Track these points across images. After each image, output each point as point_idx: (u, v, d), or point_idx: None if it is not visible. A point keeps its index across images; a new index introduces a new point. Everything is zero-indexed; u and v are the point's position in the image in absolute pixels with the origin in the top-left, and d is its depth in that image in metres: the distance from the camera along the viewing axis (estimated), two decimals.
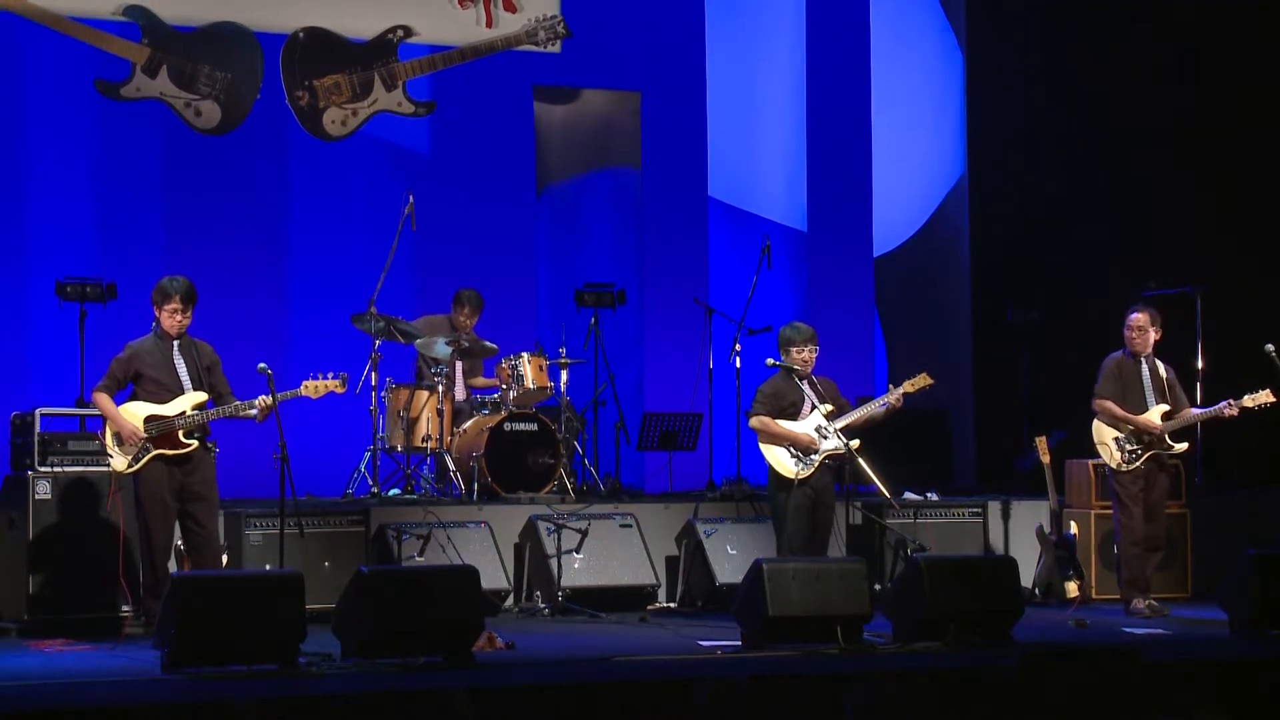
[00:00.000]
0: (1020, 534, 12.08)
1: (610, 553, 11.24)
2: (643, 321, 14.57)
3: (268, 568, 10.08)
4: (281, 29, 13.63)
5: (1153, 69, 14.74)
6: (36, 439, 10.20)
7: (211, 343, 9.97)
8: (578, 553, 11.08)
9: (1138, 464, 10.97)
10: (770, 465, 10.31)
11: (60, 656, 9.11)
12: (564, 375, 12.48)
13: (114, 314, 11.88)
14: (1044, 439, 11.78)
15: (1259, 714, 8.53)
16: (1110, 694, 8.13)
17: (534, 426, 11.96)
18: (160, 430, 9.60)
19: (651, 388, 14.50)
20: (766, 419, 10.30)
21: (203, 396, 9.70)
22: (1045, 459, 11.71)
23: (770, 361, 10.48)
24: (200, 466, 9.69)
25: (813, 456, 10.20)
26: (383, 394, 12.22)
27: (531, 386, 12.15)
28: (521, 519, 11.35)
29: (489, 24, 14.08)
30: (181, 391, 9.70)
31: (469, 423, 12.17)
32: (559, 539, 10.95)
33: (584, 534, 11.11)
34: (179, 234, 13.23)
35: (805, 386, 10.34)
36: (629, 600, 11.13)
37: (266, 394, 9.54)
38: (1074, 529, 11.72)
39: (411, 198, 12.49)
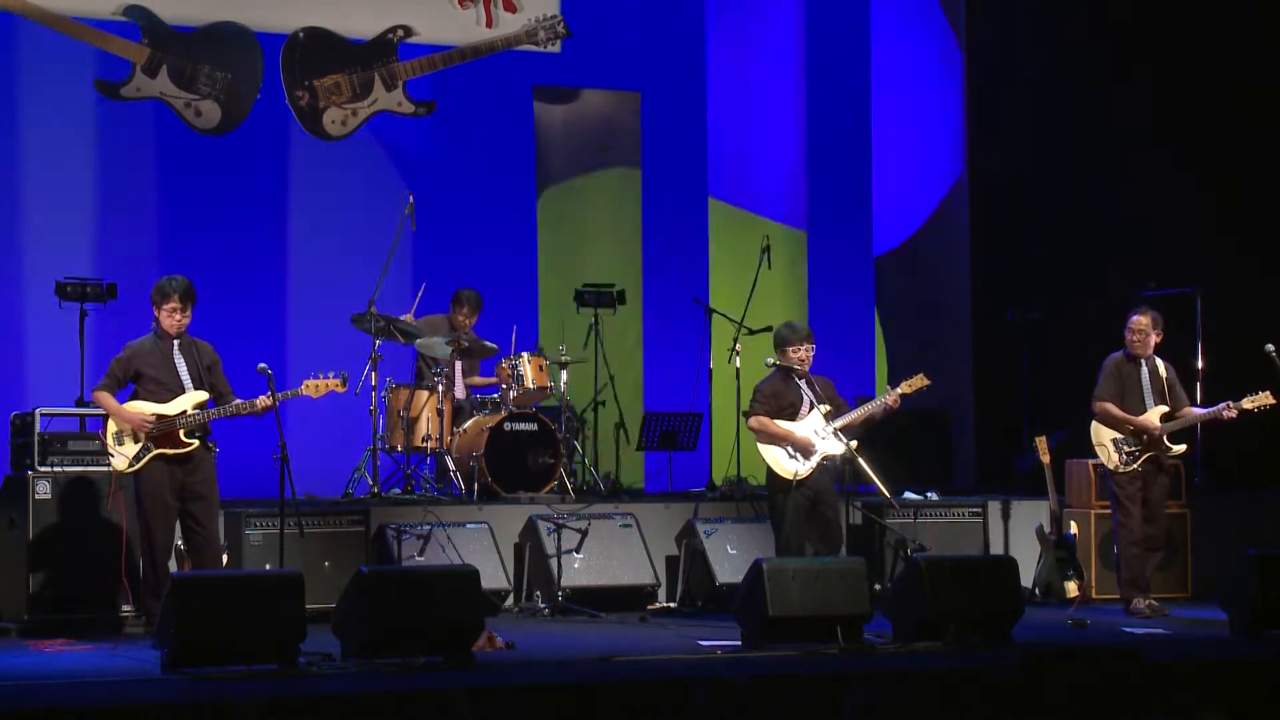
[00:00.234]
0: (1020, 534, 12.07)
1: (610, 553, 11.24)
2: (643, 321, 14.57)
3: (268, 568, 10.07)
4: (281, 29, 13.64)
5: (1153, 69, 14.74)
6: (36, 439, 10.19)
7: (211, 342, 9.97)
8: (578, 553, 11.08)
9: (1135, 465, 10.97)
10: (769, 465, 10.31)
11: (60, 656, 9.11)
12: (564, 375, 12.48)
13: (114, 314, 11.88)
14: (1044, 439, 11.77)
15: (1259, 714, 8.53)
16: (1110, 694, 8.13)
17: (534, 426, 11.96)
18: (161, 429, 9.60)
19: (651, 388, 14.51)
20: (765, 419, 10.30)
21: (203, 396, 9.70)
22: (1045, 459, 11.71)
23: (769, 361, 10.47)
24: (201, 466, 9.69)
25: (811, 456, 10.20)
26: (383, 394, 12.22)
27: (531, 386, 12.15)
28: (521, 519, 11.35)
29: (489, 24, 14.08)
30: (182, 391, 9.70)
31: (469, 423, 12.17)
32: (559, 539, 10.95)
33: (584, 534, 11.11)
34: (179, 234, 13.24)
35: (804, 386, 10.34)
36: (629, 600, 11.13)
37: (267, 394, 9.54)
38: (1074, 529, 11.72)
39: (411, 198, 12.50)
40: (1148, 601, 10.85)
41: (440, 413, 12.05)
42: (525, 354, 12.25)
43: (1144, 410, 11.01)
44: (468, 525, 11.15)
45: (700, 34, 14.84)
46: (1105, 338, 11.52)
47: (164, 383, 9.68)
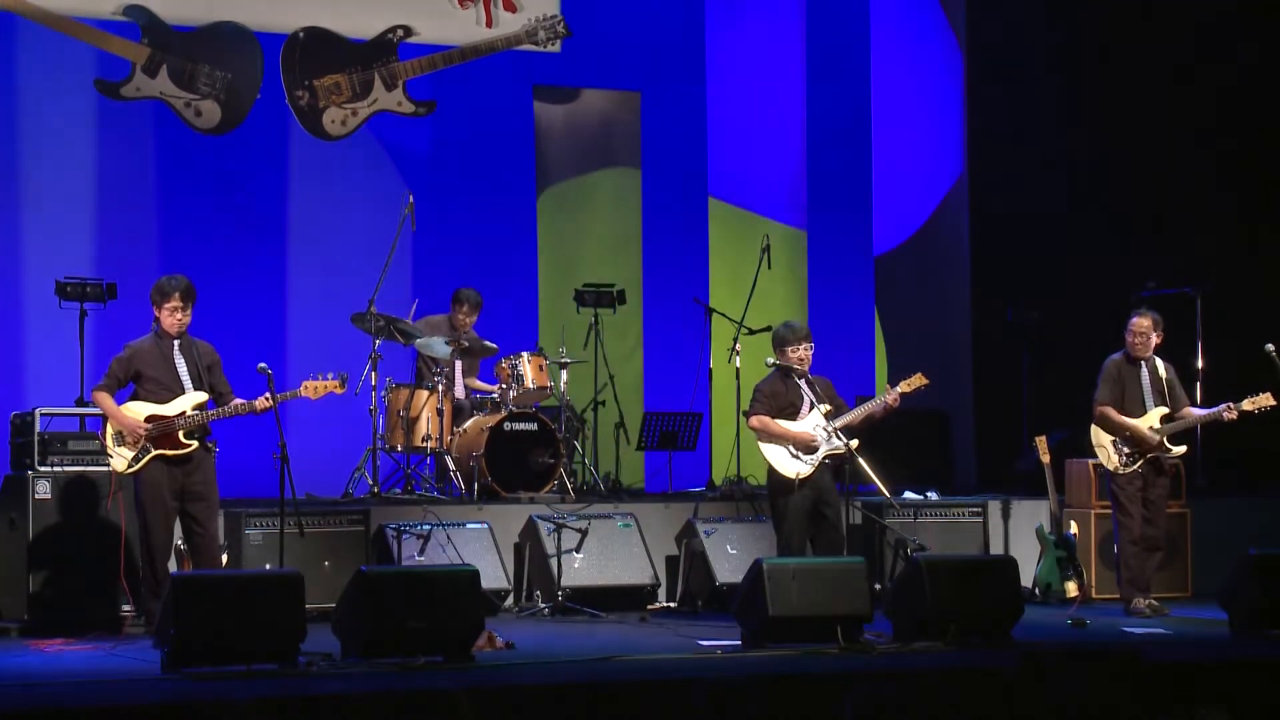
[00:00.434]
0: (1020, 534, 12.07)
1: (610, 552, 11.24)
2: (643, 321, 14.57)
3: (268, 568, 10.07)
4: (281, 29, 13.63)
5: (1152, 69, 14.75)
6: (36, 439, 10.20)
7: (211, 342, 9.97)
8: (578, 552, 11.08)
9: (1136, 466, 10.96)
10: (770, 465, 10.29)
11: (60, 656, 9.11)
12: (564, 375, 12.48)
13: (114, 314, 11.87)
14: (1044, 439, 11.78)
15: (1259, 714, 8.52)
16: (1110, 694, 8.13)
17: (534, 426, 11.96)
18: (160, 430, 9.60)
19: (651, 388, 14.50)
20: (766, 418, 10.29)
21: (203, 397, 9.70)
22: (1045, 459, 11.71)
23: (770, 361, 10.47)
24: (200, 467, 9.69)
25: (813, 456, 10.19)
26: (383, 394, 12.22)
27: (531, 386, 12.15)
28: (521, 519, 11.35)
29: (489, 24, 14.08)
30: (182, 391, 9.70)
31: (469, 422, 12.17)
32: (559, 539, 10.95)
33: (584, 534, 11.12)
34: (179, 234, 13.24)
35: (804, 386, 10.33)
36: (629, 600, 11.13)
37: (266, 394, 9.54)
38: (1074, 529, 11.72)
39: (411, 197, 12.50)
40: (1148, 601, 10.86)
41: (440, 413, 12.06)
42: (525, 354, 12.25)
43: (1144, 411, 11.00)
44: (468, 525, 11.15)
45: (700, 34, 14.84)
46: (1105, 338, 11.52)
47: (164, 383, 9.68)
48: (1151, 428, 10.95)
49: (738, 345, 12.67)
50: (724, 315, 13.11)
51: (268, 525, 10.43)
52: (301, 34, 13.67)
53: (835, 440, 10.15)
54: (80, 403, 11.00)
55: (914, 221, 15.62)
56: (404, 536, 10.80)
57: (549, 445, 11.98)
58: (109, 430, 9.67)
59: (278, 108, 13.63)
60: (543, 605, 10.91)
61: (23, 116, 13.06)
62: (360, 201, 13.76)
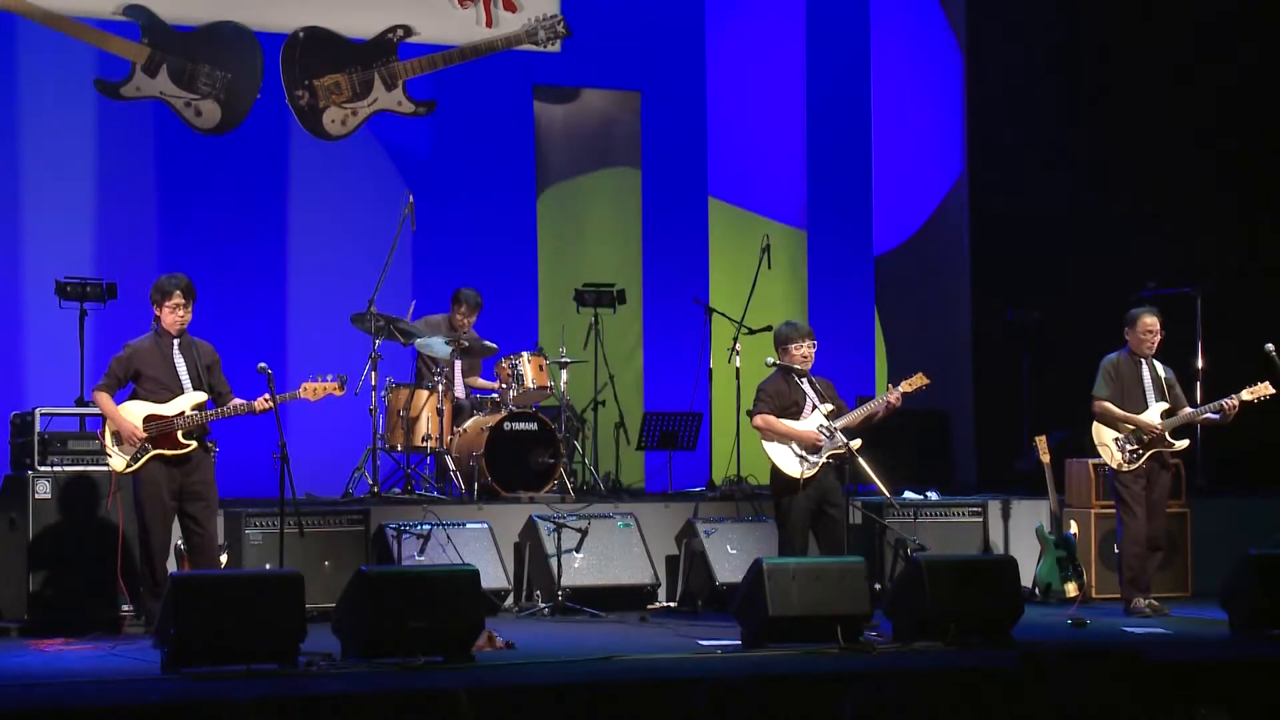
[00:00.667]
0: (1020, 534, 12.08)
1: (610, 552, 11.24)
2: (643, 321, 14.57)
3: (268, 567, 10.07)
4: (281, 28, 13.64)
5: (1152, 69, 14.75)
6: (36, 438, 10.19)
7: (211, 341, 9.97)
8: (578, 552, 11.08)
9: (1139, 463, 10.96)
10: (774, 465, 10.26)
11: (60, 656, 9.11)
12: (564, 375, 12.48)
13: (114, 314, 11.88)
14: (1044, 439, 11.78)
15: (1259, 714, 8.52)
16: (1110, 694, 8.13)
17: (534, 426, 11.96)
18: (159, 430, 9.60)
19: (651, 388, 14.51)
20: (770, 417, 10.28)
21: (202, 397, 9.70)
22: (1045, 459, 11.71)
23: (769, 361, 10.46)
24: (199, 467, 9.68)
25: (817, 456, 10.18)
26: (383, 394, 12.22)
27: (531, 386, 12.15)
28: (521, 518, 11.35)
29: (489, 23, 14.08)
30: (181, 391, 9.69)
31: (469, 422, 12.17)
32: (559, 538, 10.95)
33: (584, 533, 11.11)
34: (179, 234, 13.24)
35: (806, 385, 10.33)
36: (629, 600, 11.13)
37: (266, 393, 9.54)
38: (1074, 529, 11.72)
39: (411, 197, 12.51)
40: (1148, 601, 10.85)
41: (440, 412, 12.06)
42: (525, 354, 12.25)
43: (1145, 409, 11.00)
44: (468, 525, 11.15)
45: (700, 34, 14.84)
46: (1105, 338, 11.51)
47: (163, 383, 9.68)
48: (1153, 421, 10.95)
49: (738, 345, 12.67)
50: (724, 315, 13.10)
51: (268, 525, 10.43)
52: (301, 34, 13.67)
53: (837, 439, 10.14)
54: (80, 403, 11.01)
55: (914, 221, 15.62)
56: (404, 536, 10.80)
57: (549, 445, 11.98)
58: (108, 430, 9.67)
59: (278, 108, 13.63)
60: (543, 605, 10.91)
61: (23, 116, 13.06)
62: (360, 201, 13.76)
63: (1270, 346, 10.96)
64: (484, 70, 14.13)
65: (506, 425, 11.90)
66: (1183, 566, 11.93)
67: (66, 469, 10.19)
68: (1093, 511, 11.91)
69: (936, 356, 14.24)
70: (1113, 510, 11.26)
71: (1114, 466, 11.01)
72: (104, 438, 9.71)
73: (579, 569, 11.04)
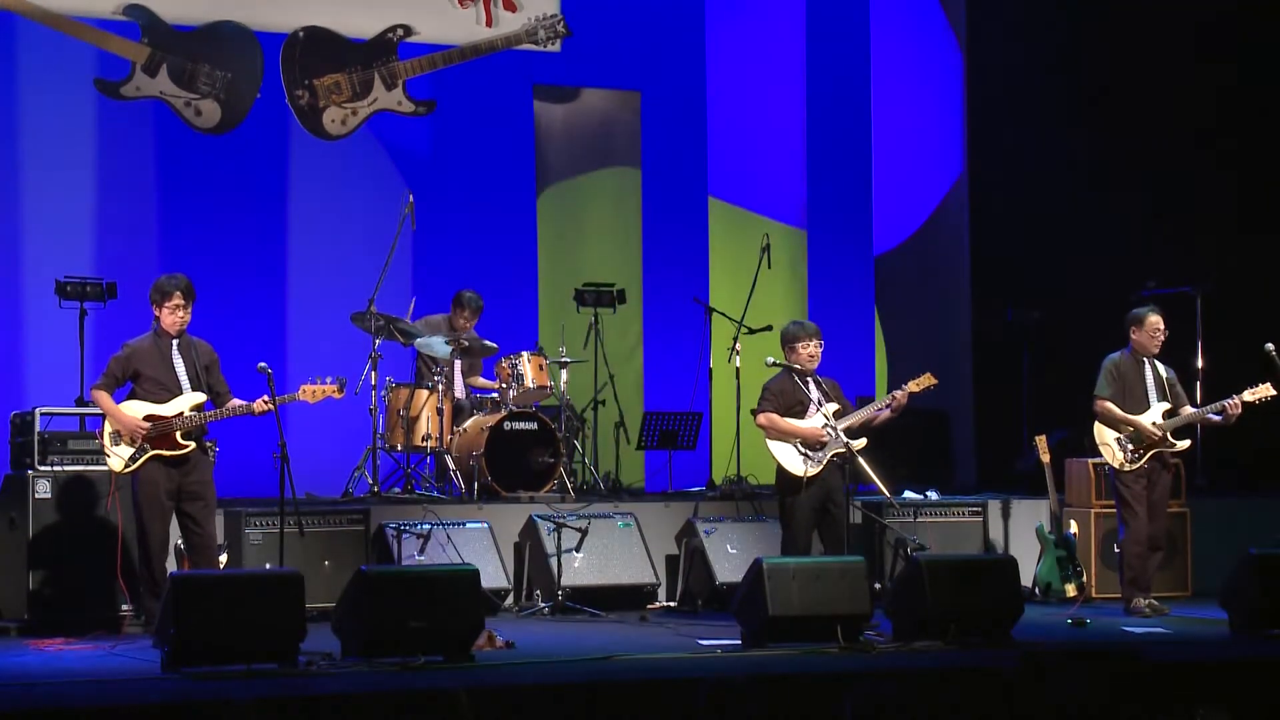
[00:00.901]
0: (1020, 534, 12.08)
1: (610, 552, 11.24)
2: (643, 321, 14.57)
3: (268, 567, 10.07)
4: (281, 28, 13.64)
5: (1152, 69, 14.75)
6: (36, 438, 10.20)
7: (211, 341, 9.97)
8: (578, 552, 11.08)
9: (1140, 463, 10.95)
10: (778, 464, 10.26)
11: (60, 656, 9.11)
12: (564, 375, 12.48)
13: (114, 314, 11.88)
14: (1044, 438, 11.78)
15: (1259, 714, 8.52)
16: (1110, 694, 8.13)
17: (534, 426, 11.96)
18: (158, 431, 9.59)
19: (651, 387, 14.51)
20: (774, 415, 10.27)
21: (201, 397, 9.70)
22: (1045, 458, 11.71)
23: (769, 360, 10.46)
24: (197, 467, 9.68)
25: (821, 454, 10.17)
26: (383, 393, 12.22)
27: (531, 386, 12.15)
28: (521, 518, 11.35)
29: (489, 23, 14.08)
30: (180, 392, 9.69)
31: (469, 422, 12.17)
32: (559, 538, 10.94)
33: (584, 533, 11.11)
34: (179, 233, 13.24)
35: (811, 385, 10.33)
36: (629, 599, 11.13)
37: (266, 393, 9.54)
38: (1074, 528, 11.72)
39: (411, 197, 12.51)
40: (1148, 601, 10.85)
41: (440, 412, 12.06)
42: (525, 353, 12.25)
43: (1147, 407, 11.00)
44: (468, 525, 11.15)
45: (700, 34, 14.84)
46: (1105, 338, 11.51)
47: (162, 383, 9.67)
48: (1154, 423, 10.94)
49: (738, 345, 12.66)
50: (724, 315, 13.10)
51: (268, 525, 10.43)
52: (301, 33, 13.67)
53: (840, 439, 10.13)
54: (80, 402, 11.01)
55: (914, 221, 15.62)
56: (404, 536, 10.80)
57: (549, 445, 11.98)
58: (106, 429, 9.67)
59: (278, 107, 13.63)
60: (543, 605, 10.91)
61: (23, 116, 13.06)
62: (360, 201, 13.76)
63: (1270, 346, 10.96)
64: (484, 70, 14.14)
65: (506, 425, 11.90)
66: (1183, 566, 11.93)
67: (66, 469, 10.19)
68: (1093, 511, 11.91)
69: (936, 356, 14.23)
70: (1113, 510, 11.27)
71: (1115, 466, 11.01)
72: (103, 437, 9.71)
73: (579, 569, 11.04)
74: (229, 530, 10.52)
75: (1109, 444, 11.02)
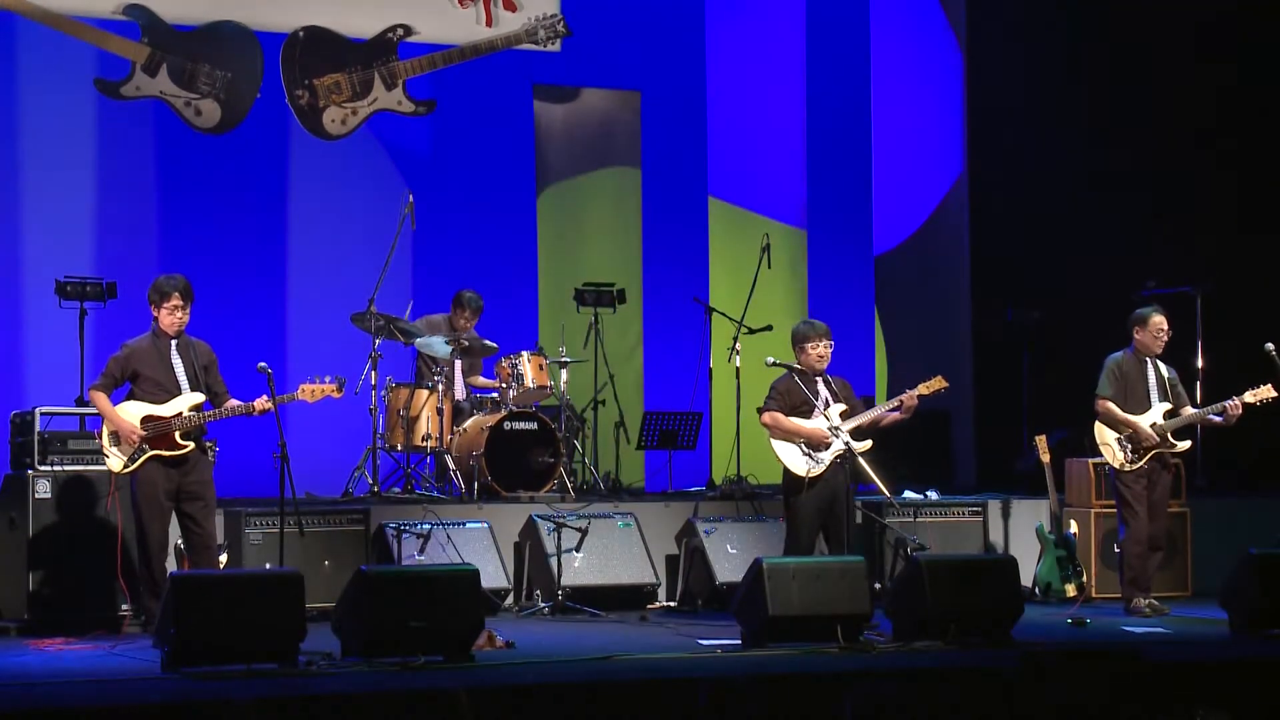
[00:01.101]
0: (1020, 534, 12.07)
1: (610, 552, 11.24)
2: (643, 321, 14.57)
3: (268, 567, 10.07)
4: (281, 28, 13.64)
5: (1152, 69, 14.75)
6: (36, 438, 10.19)
7: (211, 342, 9.96)
8: (578, 552, 11.07)
9: (1141, 463, 10.95)
10: (783, 464, 10.28)
11: (60, 656, 9.11)
12: (564, 375, 12.48)
13: (114, 314, 11.88)
14: (1044, 438, 11.77)
15: (1259, 714, 8.52)
16: (1110, 694, 8.13)
17: (534, 426, 11.96)
18: (156, 431, 9.59)
19: (651, 387, 14.51)
20: (778, 415, 10.27)
21: (200, 398, 9.69)
22: (1045, 458, 11.70)
23: (769, 360, 10.45)
24: (196, 467, 9.67)
25: (824, 454, 10.17)
26: (383, 393, 12.22)
27: (531, 386, 12.15)
28: (521, 518, 11.35)
29: (489, 23, 14.08)
30: (179, 392, 9.68)
31: (469, 422, 12.17)
32: (559, 538, 10.94)
33: (584, 533, 11.11)
34: (179, 233, 13.24)
35: (820, 385, 10.32)
36: (629, 599, 11.13)
37: (265, 393, 9.54)
38: (1074, 528, 11.71)
39: (411, 197, 12.50)
40: (1148, 601, 10.85)
41: (440, 412, 12.06)
42: (525, 353, 12.25)
43: (1149, 407, 10.99)
44: (468, 525, 11.15)
45: (700, 34, 14.84)
46: (1105, 338, 11.51)
47: (160, 383, 9.67)
48: (1154, 424, 10.94)
49: (738, 345, 12.66)
50: (724, 315, 13.10)
51: (268, 525, 10.42)
52: (301, 33, 13.67)
53: (846, 439, 10.12)
54: (80, 402, 11.00)
55: (914, 221, 15.62)
56: (404, 536, 10.80)
57: (549, 445, 11.98)
58: (106, 430, 9.66)
59: (278, 107, 13.63)
60: (543, 605, 10.91)
61: (23, 116, 13.06)
62: (360, 201, 13.77)
63: (1270, 346, 10.96)
64: (484, 70, 14.13)
65: (506, 425, 11.90)
66: (1183, 566, 11.93)
67: (66, 469, 10.19)
68: (1093, 511, 11.91)
69: (936, 356, 14.24)
70: (1113, 510, 11.27)
71: (1116, 466, 11.01)
72: (102, 438, 9.71)
73: (579, 569, 11.04)
74: (229, 530, 10.51)
75: (1110, 444, 11.01)
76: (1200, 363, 13.35)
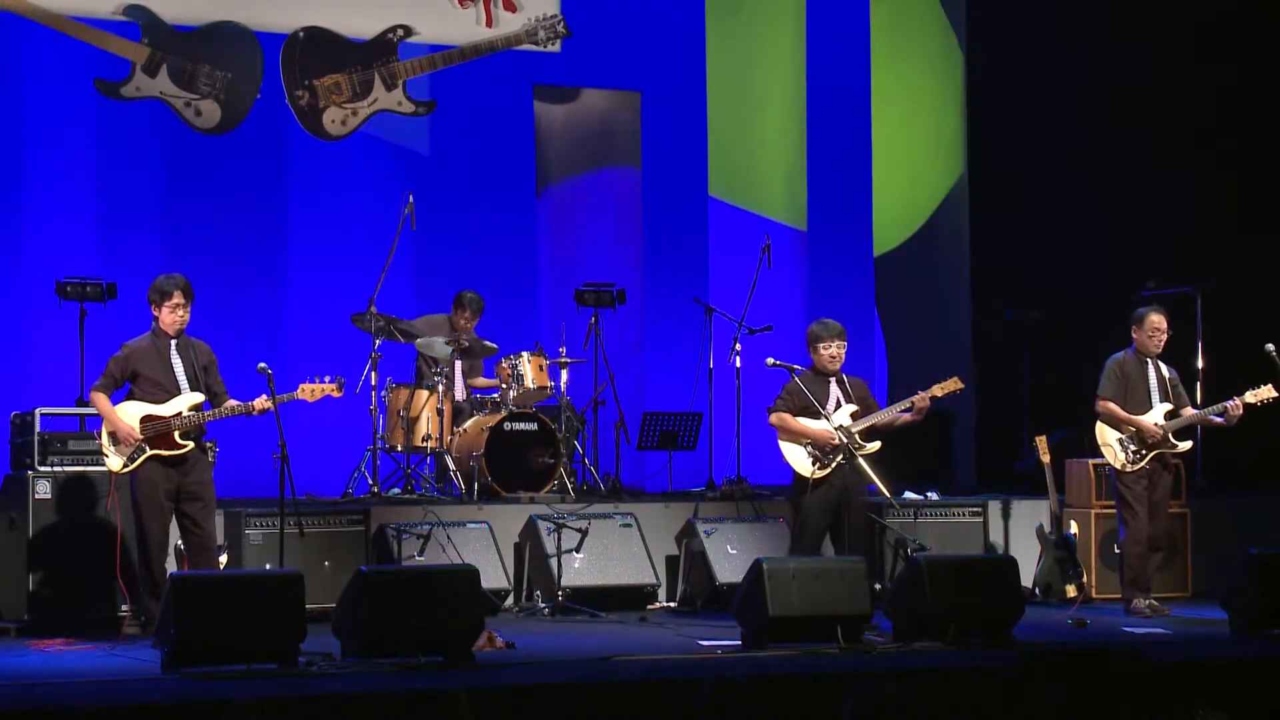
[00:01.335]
0: (1020, 534, 12.07)
1: (610, 552, 11.23)
2: (643, 321, 14.58)
3: (268, 567, 10.07)
4: (281, 28, 13.64)
5: (1152, 68, 14.75)
6: (36, 438, 10.20)
7: (211, 342, 9.96)
8: (578, 552, 11.07)
9: (1142, 464, 10.95)
10: (790, 464, 10.28)
11: (60, 656, 9.11)
12: (564, 375, 12.48)
13: (114, 314, 11.89)
14: (1044, 438, 11.77)
15: (1259, 714, 8.52)
16: (1110, 694, 8.13)
17: (534, 426, 11.96)
18: (156, 431, 9.59)
19: (651, 387, 14.51)
20: (785, 415, 10.27)
21: (199, 398, 9.69)
22: (1045, 458, 11.70)
23: (770, 361, 10.45)
24: (196, 467, 9.67)
25: (831, 456, 10.16)
26: (383, 394, 12.22)
27: (531, 386, 12.15)
28: (521, 518, 11.35)
29: (489, 23, 14.08)
30: (178, 392, 9.69)
31: (469, 422, 12.17)
32: (559, 538, 10.94)
33: (584, 533, 11.11)
34: (179, 234, 13.24)
35: (832, 385, 10.32)
36: (629, 600, 11.12)
37: (265, 393, 9.54)
38: (1074, 529, 11.71)
39: (411, 197, 12.50)
40: (1148, 601, 10.85)
41: (440, 412, 12.06)
42: (525, 354, 12.25)
43: (1150, 408, 10.99)
44: (468, 525, 11.14)
45: (700, 34, 14.83)
46: (1105, 338, 11.51)
47: (160, 383, 9.67)
48: (1156, 424, 10.94)
49: (738, 345, 12.67)
50: (724, 315, 13.10)
51: (268, 525, 10.42)
52: (301, 34, 13.67)
53: (844, 441, 10.11)
54: (80, 403, 11.01)
55: (914, 221, 15.61)
56: (404, 536, 10.80)
57: (549, 445, 11.98)
58: (105, 430, 9.66)
59: (278, 108, 13.63)
60: (543, 605, 10.91)
61: (23, 116, 13.06)
62: (360, 201, 13.77)
63: (1270, 347, 10.96)
64: (484, 70, 14.13)
65: (506, 425, 11.90)
66: (1183, 566, 11.92)
67: (66, 469, 10.20)
68: (1093, 511, 11.91)
69: (936, 356, 14.25)
70: (1113, 510, 11.27)
71: (1117, 467, 11.00)
72: (101, 438, 9.71)
73: (579, 569, 11.04)
74: (229, 530, 10.51)
75: (1111, 445, 11.01)
76: (1200, 363, 13.34)
